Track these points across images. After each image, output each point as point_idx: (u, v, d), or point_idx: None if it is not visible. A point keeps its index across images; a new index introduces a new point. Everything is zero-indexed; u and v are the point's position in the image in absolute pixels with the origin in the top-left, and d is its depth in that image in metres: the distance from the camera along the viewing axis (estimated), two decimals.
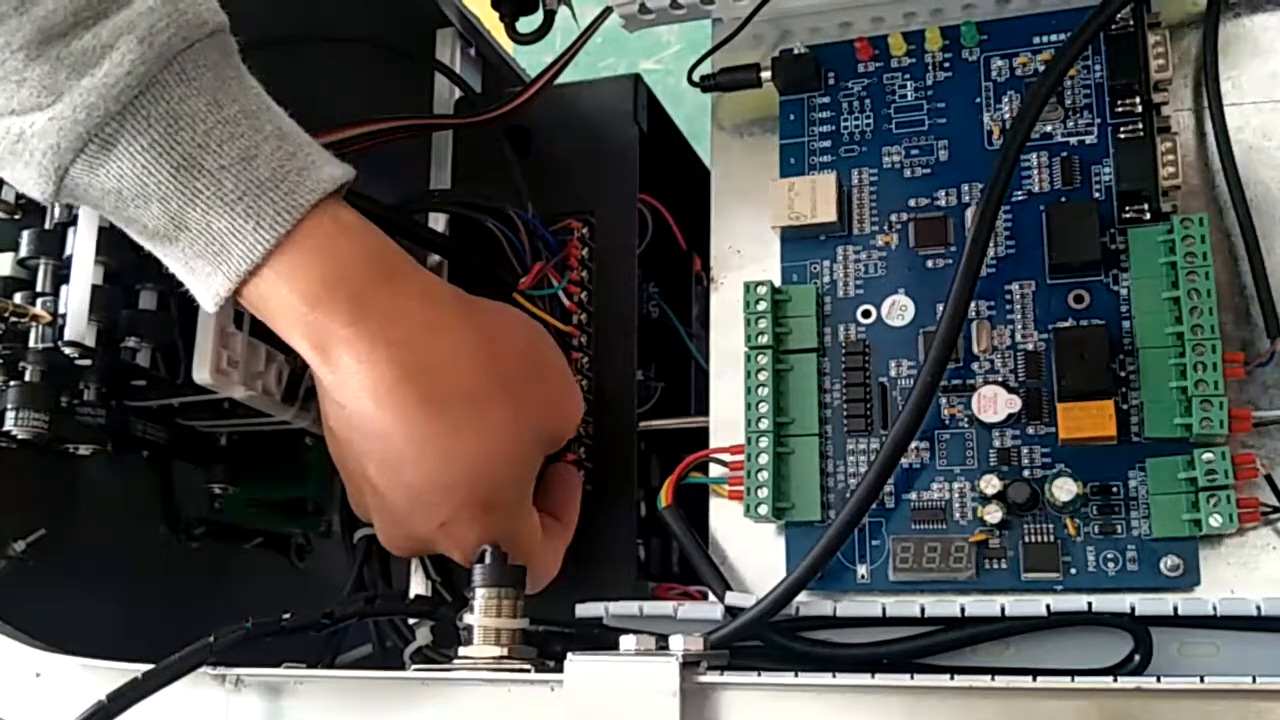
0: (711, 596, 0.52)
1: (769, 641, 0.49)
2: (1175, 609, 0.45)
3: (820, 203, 0.54)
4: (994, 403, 0.51)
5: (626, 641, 0.42)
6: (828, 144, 0.56)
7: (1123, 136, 0.51)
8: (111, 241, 0.51)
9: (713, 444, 0.55)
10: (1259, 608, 0.44)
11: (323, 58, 0.64)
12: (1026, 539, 0.49)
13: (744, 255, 0.57)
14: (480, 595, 0.46)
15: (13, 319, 0.51)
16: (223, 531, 0.68)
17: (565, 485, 0.56)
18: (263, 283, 0.44)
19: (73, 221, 0.53)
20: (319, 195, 0.44)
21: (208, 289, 0.45)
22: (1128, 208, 0.50)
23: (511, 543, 0.49)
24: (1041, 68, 0.53)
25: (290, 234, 0.44)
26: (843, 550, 0.50)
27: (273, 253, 0.44)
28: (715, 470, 0.54)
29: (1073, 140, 0.52)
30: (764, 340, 0.52)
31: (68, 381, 0.54)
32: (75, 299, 0.52)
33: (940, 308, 0.50)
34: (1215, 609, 0.45)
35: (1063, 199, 0.52)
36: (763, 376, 0.52)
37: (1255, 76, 0.52)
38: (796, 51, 0.57)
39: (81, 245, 0.52)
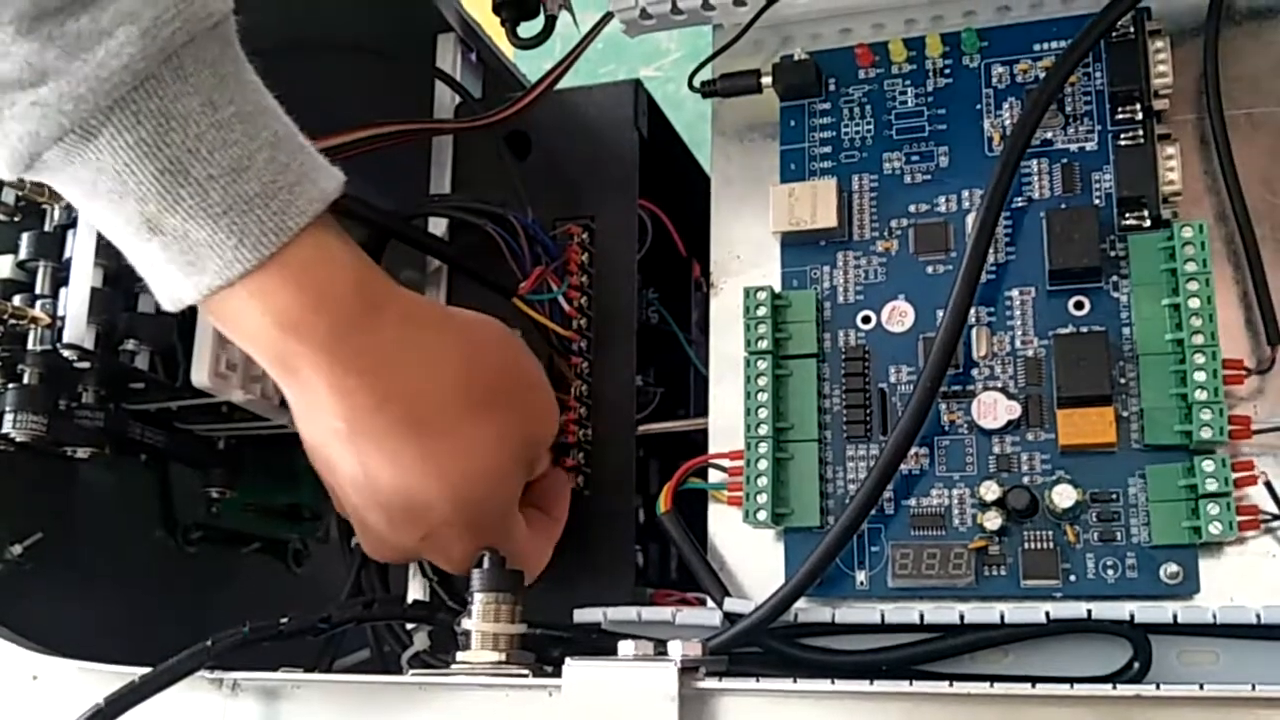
0: (710, 602, 0.52)
1: (768, 647, 0.49)
2: (1175, 616, 0.45)
3: (820, 208, 0.54)
4: (994, 409, 0.51)
5: (625, 647, 0.42)
6: (828, 150, 0.56)
7: (1123, 143, 0.51)
8: (111, 244, 0.51)
9: (712, 449, 0.55)
10: (1259, 615, 0.44)
11: (324, 62, 0.64)
12: (1026, 546, 0.49)
13: (744, 260, 0.57)
14: (478, 600, 0.46)
15: (12, 321, 0.51)
16: (220, 535, 0.68)
17: (554, 483, 0.56)
18: (234, 299, 0.42)
19: (72, 224, 0.53)
20: (309, 218, 0.42)
21: (170, 294, 0.43)
22: (1128, 214, 0.51)
23: (499, 546, 0.49)
24: (1042, 74, 0.53)
25: (272, 257, 0.42)
26: (842, 556, 0.50)
27: (250, 273, 0.42)
28: (714, 476, 0.54)
29: (1073, 147, 0.52)
30: (763, 345, 0.52)
31: (66, 384, 0.54)
32: (74, 302, 0.52)
33: (940, 314, 0.50)
34: (1215, 616, 0.45)
35: (1063, 205, 0.52)
36: (762, 382, 0.52)
37: (1256, 83, 0.52)
38: (797, 57, 0.57)
39: (81, 248, 0.52)
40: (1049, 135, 0.53)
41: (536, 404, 0.53)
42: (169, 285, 0.42)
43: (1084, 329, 0.50)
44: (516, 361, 0.53)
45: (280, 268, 0.42)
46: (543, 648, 0.49)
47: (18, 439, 0.52)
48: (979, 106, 0.54)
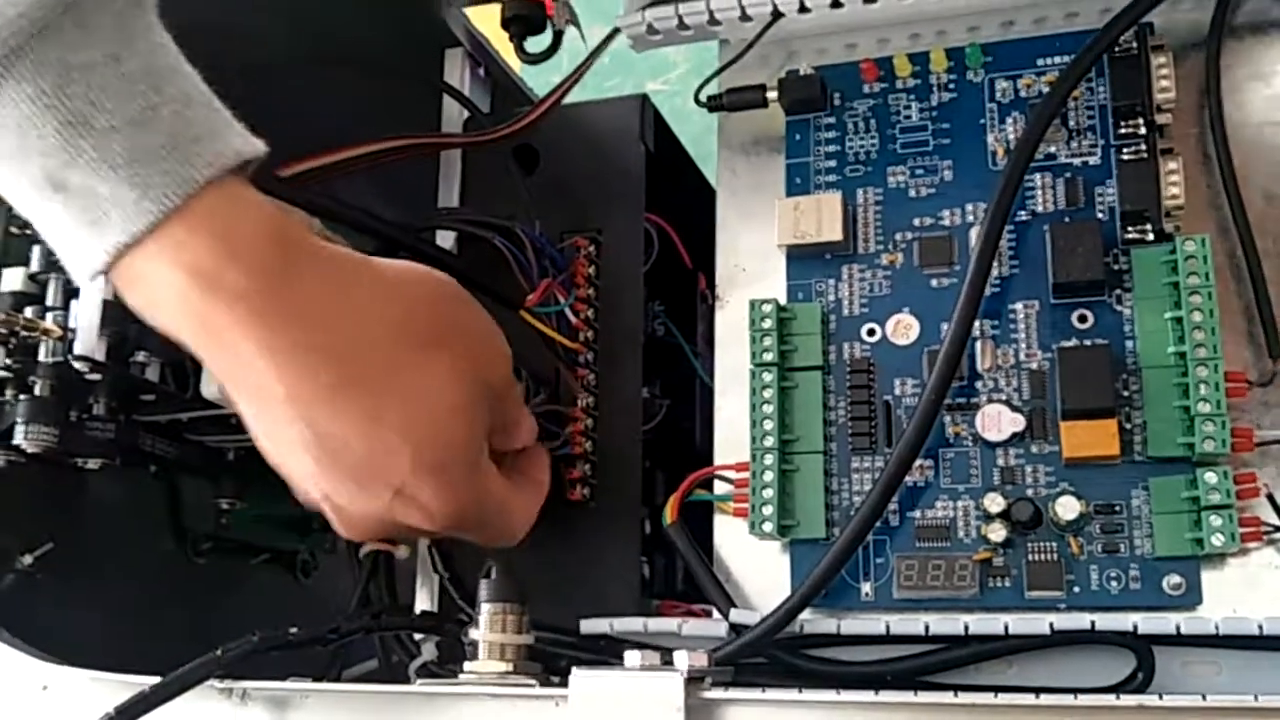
0: (716, 613, 0.52)
1: (773, 658, 0.49)
2: (1178, 628, 0.45)
3: (825, 222, 0.54)
4: (998, 421, 0.51)
5: (631, 657, 0.43)
6: (833, 164, 0.57)
7: (1126, 158, 0.52)
8: None
9: (718, 461, 0.55)
10: (1261, 627, 0.45)
11: (334, 78, 0.64)
12: (1030, 557, 0.49)
13: (749, 273, 0.57)
14: (485, 610, 0.46)
15: (23, 333, 0.52)
16: (229, 546, 0.68)
17: (533, 452, 0.55)
18: (143, 259, 0.40)
19: None
20: (216, 170, 0.40)
21: (83, 262, 0.40)
22: (1131, 228, 0.51)
23: (477, 497, 0.48)
24: (1045, 89, 0.54)
25: (179, 209, 0.39)
26: (847, 568, 0.50)
27: (158, 226, 0.39)
28: (720, 487, 0.54)
29: (1076, 161, 0.53)
30: (769, 358, 0.53)
31: (77, 396, 0.54)
32: (86, 314, 0.52)
33: (945, 326, 0.50)
34: (1217, 628, 0.45)
35: (1066, 219, 0.52)
36: (768, 394, 0.52)
37: (1258, 97, 0.52)
38: (802, 72, 0.57)
39: None
40: (1052, 149, 0.53)
41: (482, 344, 0.51)
42: (78, 251, 0.40)
43: (1087, 342, 0.51)
44: (455, 304, 0.50)
45: (186, 217, 0.40)
46: (550, 658, 0.49)
47: (29, 450, 0.52)
48: (983, 121, 0.55)
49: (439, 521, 0.47)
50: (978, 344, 0.52)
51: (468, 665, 0.46)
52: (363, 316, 0.45)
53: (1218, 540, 0.46)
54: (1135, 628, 0.46)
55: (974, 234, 0.53)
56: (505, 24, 0.59)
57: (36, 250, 0.53)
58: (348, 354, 0.44)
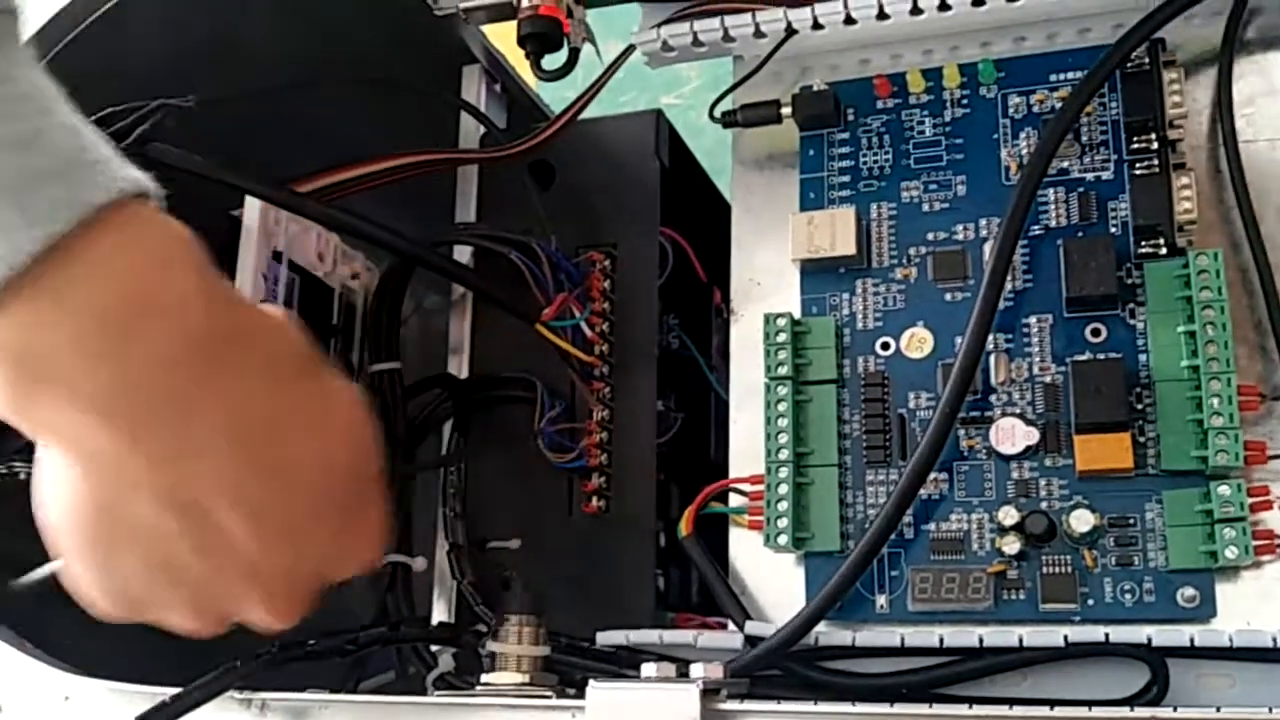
0: (731, 626, 0.52)
1: (789, 670, 0.49)
2: (1191, 640, 0.45)
3: (840, 236, 0.55)
4: (1012, 435, 0.51)
5: (647, 669, 0.43)
6: (847, 179, 0.57)
7: (1139, 172, 0.52)
8: None
9: (733, 474, 0.55)
10: (1275, 639, 0.45)
11: (352, 95, 0.65)
12: (1044, 570, 0.49)
13: (764, 287, 0.58)
14: (502, 622, 0.47)
15: None
16: None
17: None
18: (45, 294, 0.33)
19: None
20: (115, 195, 0.34)
21: None
22: (1144, 243, 0.51)
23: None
24: (1058, 104, 0.54)
25: (69, 239, 0.33)
26: (862, 580, 0.51)
27: (44, 262, 0.33)
28: (735, 500, 0.55)
29: (1089, 176, 0.53)
30: (784, 371, 0.53)
31: None
32: None
33: (959, 340, 0.50)
34: (1231, 640, 0.45)
35: (1079, 234, 0.52)
36: (782, 407, 0.53)
37: (1270, 113, 0.52)
38: (816, 88, 0.57)
39: None
40: (1065, 164, 0.53)
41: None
42: None
43: (1101, 356, 0.51)
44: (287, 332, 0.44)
45: (102, 236, 0.34)
46: (566, 669, 0.49)
47: None
48: (996, 136, 0.55)
49: (384, 529, 0.43)
50: (991, 357, 0.52)
51: (485, 677, 0.46)
52: (279, 341, 0.41)
53: (1231, 553, 0.46)
54: (1149, 640, 0.46)
55: (987, 248, 0.53)
56: (522, 41, 0.59)
57: None
58: (277, 377, 0.40)
